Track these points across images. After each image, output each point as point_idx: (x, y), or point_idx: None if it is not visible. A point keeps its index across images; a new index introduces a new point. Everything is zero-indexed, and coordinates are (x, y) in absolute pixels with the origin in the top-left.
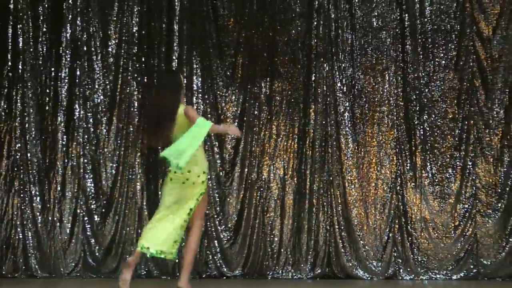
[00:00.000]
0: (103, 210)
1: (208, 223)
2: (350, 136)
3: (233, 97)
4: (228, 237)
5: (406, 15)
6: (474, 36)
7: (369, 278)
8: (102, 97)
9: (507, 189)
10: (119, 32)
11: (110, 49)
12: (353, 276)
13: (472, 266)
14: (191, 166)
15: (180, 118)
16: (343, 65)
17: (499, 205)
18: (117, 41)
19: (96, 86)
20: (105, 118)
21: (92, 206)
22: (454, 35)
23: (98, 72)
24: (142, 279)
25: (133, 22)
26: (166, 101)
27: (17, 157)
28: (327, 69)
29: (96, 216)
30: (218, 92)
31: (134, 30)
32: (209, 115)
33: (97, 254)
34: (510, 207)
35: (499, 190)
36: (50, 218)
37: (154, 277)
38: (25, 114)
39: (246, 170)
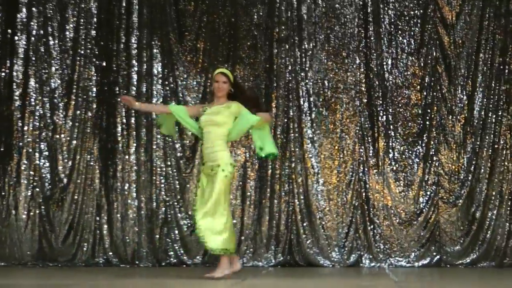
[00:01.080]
0: (60, 197)
1: (168, 210)
2: (313, 123)
3: (194, 83)
4: (188, 224)
5: (369, 1)
6: (437, 22)
7: (331, 266)
8: (59, 81)
9: (470, 176)
10: (77, 15)
11: (67, 33)
12: (315, 263)
13: (435, 253)
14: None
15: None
16: (306, 50)
17: (462, 192)
18: (75, 25)
19: (53, 71)
20: (62, 103)
21: (49, 193)
22: (418, 21)
23: (55, 56)
24: (100, 267)
25: (92, 5)
26: None
27: None
28: (289, 54)
29: (52, 203)
30: (179, 78)
31: (93, 14)
32: (169, 101)
33: (53, 242)
34: (473, 194)
35: (462, 177)
36: (5, 205)
37: (113, 265)
38: None
39: None
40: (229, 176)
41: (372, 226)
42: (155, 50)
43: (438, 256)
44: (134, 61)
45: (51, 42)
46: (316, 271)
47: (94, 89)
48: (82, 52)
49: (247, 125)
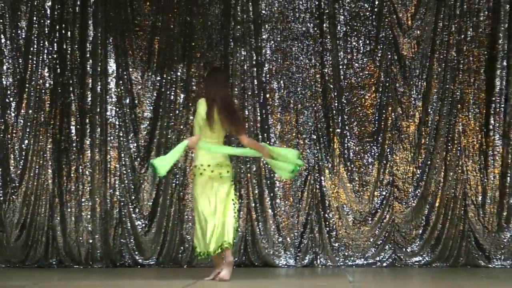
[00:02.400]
0: (12, 197)
1: (123, 210)
2: (268, 122)
3: (149, 82)
4: (143, 224)
5: (325, 1)
6: (393, 22)
7: (286, 266)
8: (11, 80)
9: (424, 176)
10: (29, 12)
11: (19, 31)
12: (270, 264)
13: (390, 253)
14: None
15: None
16: (261, 50)
17: (416, 192)
18: (28, 23)
19: (4, 69)
20: (14, 102)
21: (0, 193)
22: (373, 21)
23: (7, 54)
24: (53, 269)
25: (45, 3)
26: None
27: None
28: (244, 53)
29: (4, 204)
30: (134, 77)
31: (47, 11)
32: (124, 101)
33: (5, 243)
34: (427, 194)
35: (416, 178)
36: None
37: (66, 266)
38: None
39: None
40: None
41: (327, 226)
42: (109, 49)
43: (393, 256)
44: (88, 60)
45: (3, 41)
46: (271, 271)
47: (47, 88)
48: (35, 50)
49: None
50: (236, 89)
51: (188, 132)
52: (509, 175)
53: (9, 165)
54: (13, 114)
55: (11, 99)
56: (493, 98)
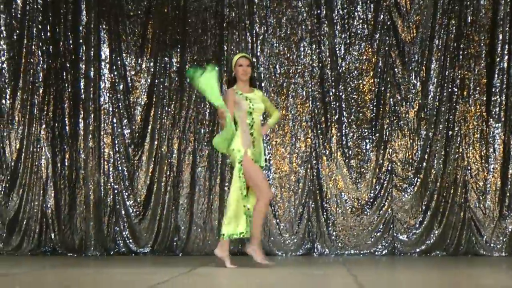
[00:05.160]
0: (7, 184)
1: (117, 198)
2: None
3: (143, 67)
4: (137, 212)
5: None
6: (391, 6)
7: (283, 255)
8: (5, 66)
9: (424, 163)
10: None
11: (12, 16)
12: (267, 252)
13: (388, 242)
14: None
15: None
16: (257, 34)
17: (415, 179)
18: (21, 8)
19: None
20: (8, 89)
21: None
22: (371, 5)
23: (1, 40)
24: (47, 256)
25: None
26: None
27: None
28: (239, 38)
29: None
30: (127, 62)
31: None
32: (117, 87)
33: None
34: (427, 181)
35: (416, 164)
36: None
37: (60, 254)
38: None
39: (156, 143)
40: None
41: (324, 214)
42: (102, 34)
43: (391, 245)
44: (81, 46)
45: None
46: (269, 260)
47: (41, 74)
48: (27, 36)
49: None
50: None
51: (182, 119)
52: (511, 161)
53: (5, 151)
54: (8, 101)
55: (6, 85)
56: (494, 83)
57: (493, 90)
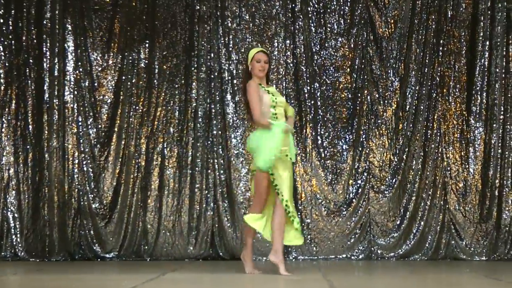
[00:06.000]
0: None
1: (82, 200)
2: (236, 106)
3: (110, 63)
4: (103, 215)
5: None
6: (368, 1)
7: (256, 259)
8: None
9: (402, 164)
10: None
11: None
12: (238, 257)
13: (365, 245)
14: None
15: None
16: (229, 29)
17: (394, 181)
18: None
19: None
20: None
21: None
22: None
23: None
24: (8, 262)
25: None
26: None
27: None
28: (211, 33)
29: None
30: (93, 58)
31: None
32: (83, 84)
33: None
34: (405, 183)
35: (394, 165)
36: None
37: (22, 259)
38: None
39: (123, 142)
40: None
41: (299, 217)
42: (67, 29)
43: (368, 249)
44: (45, 41)
45: None
46: (240, 264)
47: (2, 70)
48: None
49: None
50: (202, 69)
51: (150, 118)
52: (491, 162)
53: None
54: None
55: None
56: (475, 81)
57: (474, 88)
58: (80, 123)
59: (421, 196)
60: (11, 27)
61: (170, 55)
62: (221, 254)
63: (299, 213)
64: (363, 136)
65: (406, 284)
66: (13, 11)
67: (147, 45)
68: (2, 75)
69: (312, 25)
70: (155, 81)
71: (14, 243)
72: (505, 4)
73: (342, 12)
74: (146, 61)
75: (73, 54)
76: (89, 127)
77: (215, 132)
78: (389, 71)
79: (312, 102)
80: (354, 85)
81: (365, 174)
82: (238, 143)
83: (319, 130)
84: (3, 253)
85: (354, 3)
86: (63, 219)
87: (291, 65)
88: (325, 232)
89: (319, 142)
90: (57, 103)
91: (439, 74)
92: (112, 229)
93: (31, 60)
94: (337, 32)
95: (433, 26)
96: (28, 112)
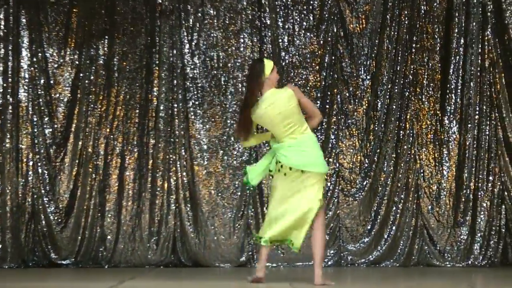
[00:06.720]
0: None
1: (36, 204)
2: (200, 105)
3: (67, 60)
4: (59, 220)
5: None
6: None
7: (220, 266)
8: None
9: (373, 166)
10: None
11: None
12: (202, 263)
13: (334, 251)
14: None
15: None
16: (192, 25)
17: (364, 183)
18: None
19: None
20: None
21: None
22: None
23: None
24: None
25: None
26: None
27: None
28: (173, 29)
29: None
30: (49, 54)
31: None
32: (38, 81)
33: None
34: (376, 186)
35: (364, 167)
36: None
37: None
38: None
39: (80, 143)
40: None
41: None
42: (22, 23)
43: (337, 255)
44: None
45: None
46: (203, 271)
47: None
48: None
49: None
50: (164, 66)
51: (110, 117)
52: (466, 164)
53: None
54: None
55: None
56: (450, 79)
57: (448, 86)
58: (35, 123)
59: (393, 199)
60: None
61: (130, 51)
62: (183, 260)
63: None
64: (333, 137)
65: None
66: None
67: (106, 40)
68: None
69: (280, 20)
70: (115, 78)
71: None
72: None
73: (311, 7)
74: (105, 58)
75: (28, 50)
76: (45, 127)
77: (177, 132)
78: (360, 68)
79: None
80: (323, 83)
81: (335, 176)
82: (200, 143)
83: None
84: None
85: None
86: (17, 224)
87: None
88: None
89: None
90: (11, 101)
91: (412, 72)
92: (68, 234)
93: None
94: (306, 27)
95: (406, 22)
96: None
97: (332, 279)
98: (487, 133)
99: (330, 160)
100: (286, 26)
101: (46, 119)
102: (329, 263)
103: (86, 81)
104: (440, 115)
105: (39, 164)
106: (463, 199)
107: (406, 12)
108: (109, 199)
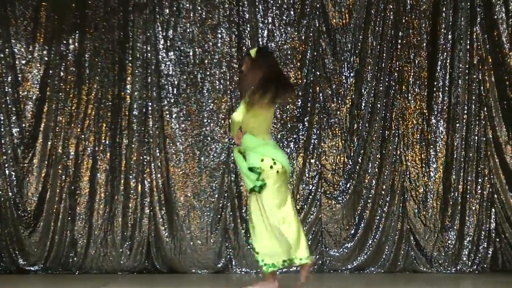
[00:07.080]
0: None
1: (3, 207)
2: (175, 104)
3: (35, 55)
4: (27, 223)
5: None
6: None
7: (197, 272)
8: None
9: (357, 167)
10: None
11: None
12: (177, 270)
13: (316, 257)
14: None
15: None
16: (167, 19)
17: (348, 186)
18: None
19: None
20: None
21: None
22: None
23: None
24: None
25: None
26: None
27: None
28: (147, 23)
29: None
30: (17, 50)
31: None
32: (5, 78)
33: None
34: (360, 188)
35: (348, 169)
36: None
37: None
38: None
39: (49, 143)
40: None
41: (243, 226)
42: None
43: (320, 260)
44: None
45: None
46: (179, 278)
47: None
48: None
49: None
50: (138, 62)
51: (80, 116)
52: (454, 166)
53: None
54: None
55: None
56: (437, 76)
57: (435, 84)
58: (1, 122)
59: (378, 202)
60: None
61: (102, 47)
62: (157, 266)
63: (244, 221)
64: (314, 137)
65: None
66: None
67: (76, 35)
68: None
69: (259, 14)
70: (86, 75)
71: None
72: None
73: (291, 1)
74: (76, 54)
75: None
76: (12, 126)
77: (151, 132)
78: (343, 65)
79: None
80: (305, 80)
81: (317, 178)
82: (176, 143)
83: None
84: None
85: None
86: None
87: (236, 58)
88: None
89: None
90: None
91: (397, 69)
92: (37, 239)
93: None
94: (286, 22)
95: (391, 17)
96: None
97: (314, 286)
98: (476, 133)
99: (312, 161)
100: (266, 21)
101: (13, 118)
102: (311, 269)
103: (56, 78)
104: (427, 114)
105: (6, 165)
106: (451, 202)
107: (391, 7)
108: (80, 202)
